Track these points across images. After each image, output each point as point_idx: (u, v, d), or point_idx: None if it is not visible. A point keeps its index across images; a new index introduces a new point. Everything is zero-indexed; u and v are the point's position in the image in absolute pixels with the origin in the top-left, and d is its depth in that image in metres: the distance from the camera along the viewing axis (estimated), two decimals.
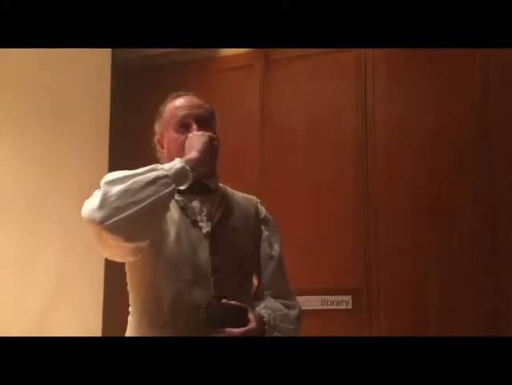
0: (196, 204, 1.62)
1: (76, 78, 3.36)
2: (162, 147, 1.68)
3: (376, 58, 3.28)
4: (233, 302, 1.50)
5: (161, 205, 1.44)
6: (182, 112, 1.64)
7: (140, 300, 1.59)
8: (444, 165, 3.07)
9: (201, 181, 1.63)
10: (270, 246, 1.71)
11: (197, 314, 1.47)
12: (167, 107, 1.68)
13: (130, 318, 1.61)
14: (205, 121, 1.65)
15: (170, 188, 1.44)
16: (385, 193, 3.15)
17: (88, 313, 3.20)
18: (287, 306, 1.65)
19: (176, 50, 3.64)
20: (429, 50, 2.88)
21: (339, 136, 3.33)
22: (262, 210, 1.76)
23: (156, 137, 1.70)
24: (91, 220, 1.36)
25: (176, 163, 1.49)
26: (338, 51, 3.29)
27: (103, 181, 1.40)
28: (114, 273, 3.57)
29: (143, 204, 1.38)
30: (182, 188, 1.54)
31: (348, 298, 3.14)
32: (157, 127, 1.70)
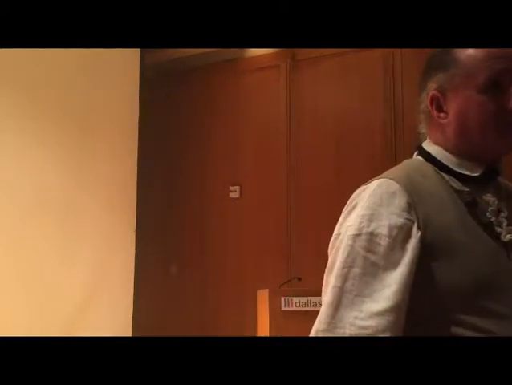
0: (490, 199, 1.13)
1: (107, 79, 3.44)
2: (440, 110, 1.14)
3: (405, 57, 3.25)
4: None
5: None
6: (499, 66, 1.10)
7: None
8: None
9: (492, 166, 1.14)
10: None
11: None
12: (465, 54, 1.15)
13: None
14: None
15: None
16: None
17: (119, 312, 3.25)
18: None
19: (202, 52, 3.66)
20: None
21: (367, 136, 3.30)
22: None
23: (432, 93, 1.15)
24: None
25: None
26: (365, 50, 3.27)
27: (321, 329, 1.05)
28: (144, 274, 3.61)
29: None
30: (473, 174, 1.12)
31: None
32: (438, 80, 1.15)
